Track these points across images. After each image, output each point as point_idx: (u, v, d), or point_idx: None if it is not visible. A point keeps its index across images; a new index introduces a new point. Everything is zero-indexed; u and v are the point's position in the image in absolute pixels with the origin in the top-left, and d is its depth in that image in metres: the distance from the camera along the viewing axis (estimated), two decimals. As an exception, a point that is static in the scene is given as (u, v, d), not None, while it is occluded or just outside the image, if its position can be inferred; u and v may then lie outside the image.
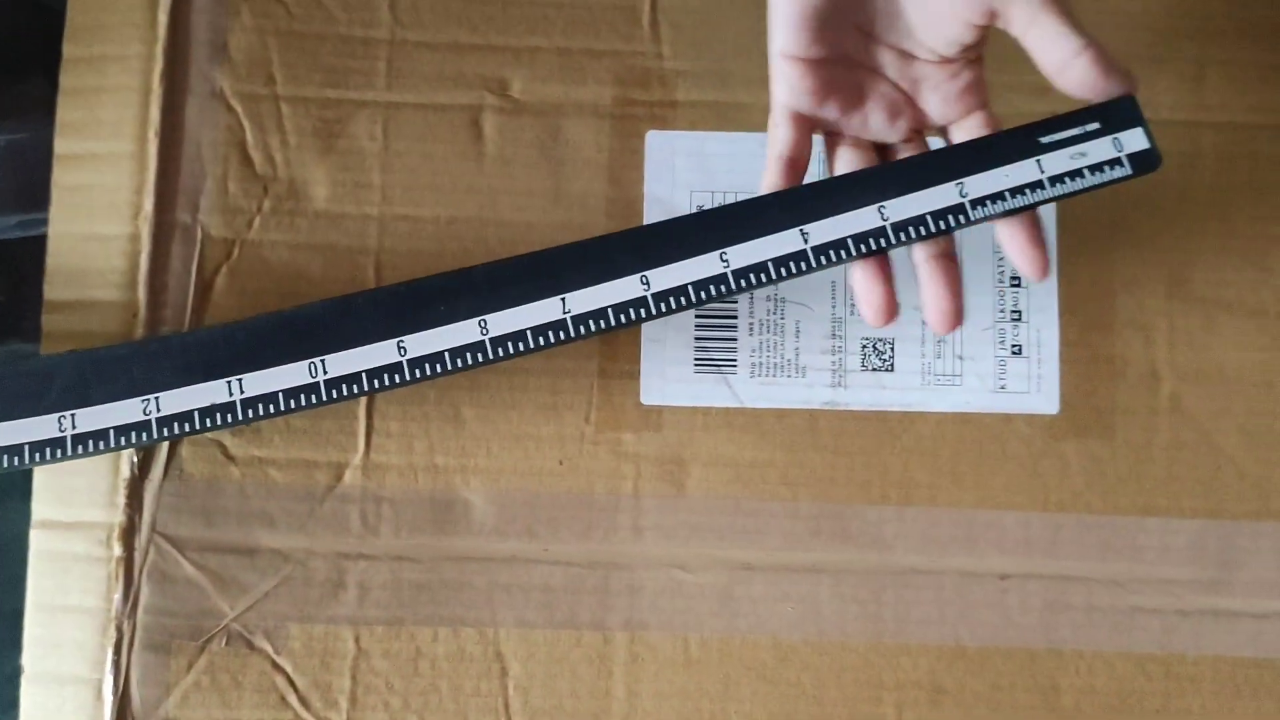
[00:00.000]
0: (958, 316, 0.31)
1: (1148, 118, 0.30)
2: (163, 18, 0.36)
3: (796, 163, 0.31)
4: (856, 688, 0.35)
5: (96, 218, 0.36)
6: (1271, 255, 0.37)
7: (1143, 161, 0.31)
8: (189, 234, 0.36)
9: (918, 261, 0.31)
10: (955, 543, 0.36)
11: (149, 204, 0.36)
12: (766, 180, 0.31)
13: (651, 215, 0.37)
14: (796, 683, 0.35)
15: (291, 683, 0.34)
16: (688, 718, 0.35)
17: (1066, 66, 0.28)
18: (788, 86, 0.30)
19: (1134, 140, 0.31)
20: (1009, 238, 0.30)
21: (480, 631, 0.35)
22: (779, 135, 0.31)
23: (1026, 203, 0.31)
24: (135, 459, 0.35)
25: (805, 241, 0.31)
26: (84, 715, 0.34)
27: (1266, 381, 0.36)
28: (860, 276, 0.31)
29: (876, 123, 0.31)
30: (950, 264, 0.31)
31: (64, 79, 0.36)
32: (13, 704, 0.35)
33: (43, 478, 0.35)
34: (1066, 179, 0.31)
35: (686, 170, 0.37)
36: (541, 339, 0.31)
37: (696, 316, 0.36)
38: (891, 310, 0.31)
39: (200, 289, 0.36)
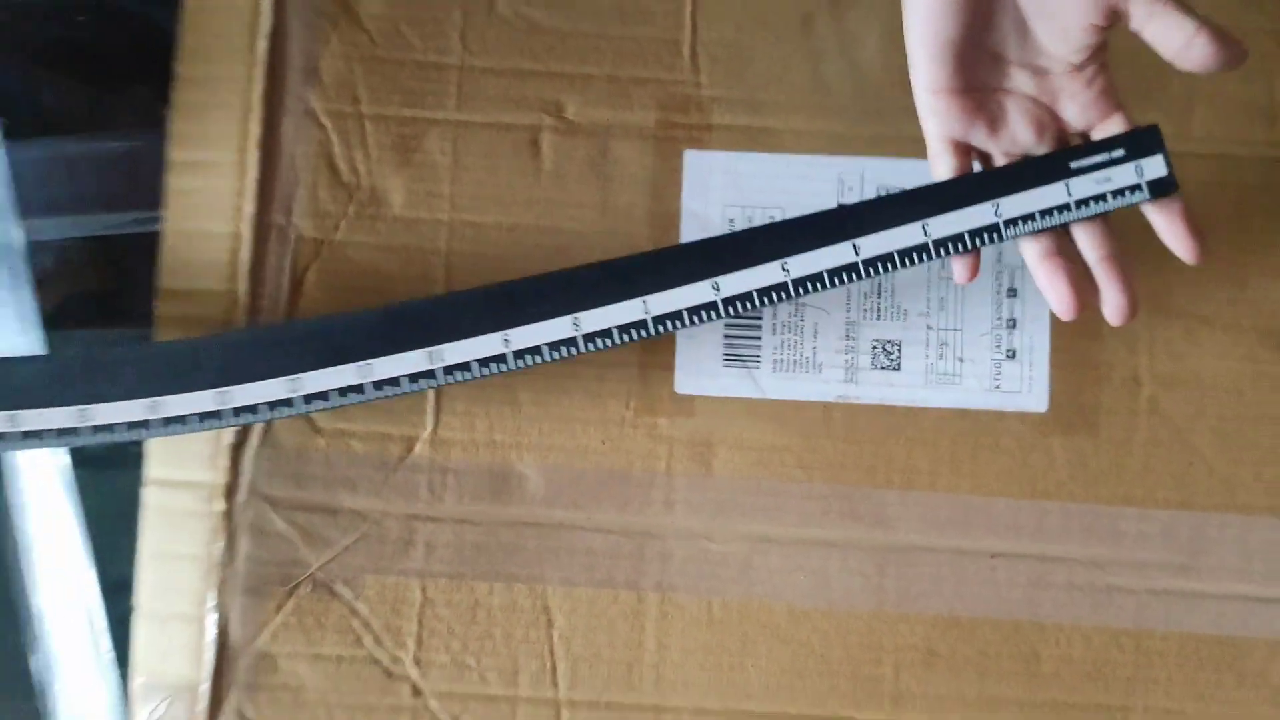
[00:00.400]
0: (1133, 309, 0.34)
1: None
2: (262, 44, 0.41)
3: None
4: (860, 650, 0.40)
5: (204, 217, 0.41)
6: (1250, 276, 0.40)
7: (1160, 187, 0.34)
8: (284, 234, 0.41)
9: (1091, 263, 0.34)
10: (952, 524, 0.40)
11: (249, 207, 0.41)
12: None
13: (688, 228, 0.41)
14: (807, 643, 0.40)
15: (367, 625, 0.40)
16: (710, 670, 0.40)
17: (1187, 48, 0.30)
18: (938, 118, 0.34)
19: (1154, 167, 0.34)
20: (1167, 228, 0.33)
21: (530, 587, 0.40)
22: (944, 163, 0.34)
23: (1053, 223, 0.34)
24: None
25: (857, 254, 0.34)
26: (189, 649, 0.40)
27: (1237, 389, 0.40)
28: (1047, 279, 0.34)
29: (1024, 137, 0.34)
30: (1118, 263, 0.34)
31: (176, 95, 0.41)
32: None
33: (156, 443, 0.40)
34: (1091, 202, 0.34)
35: (721, 188, 0.41)
36: (626, 336, 0.35)
37: (726, 325, 0.41)
38: (1080, 305, 0.34)
39: (294, 282, 0.41)
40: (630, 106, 0.42)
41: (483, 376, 0.35)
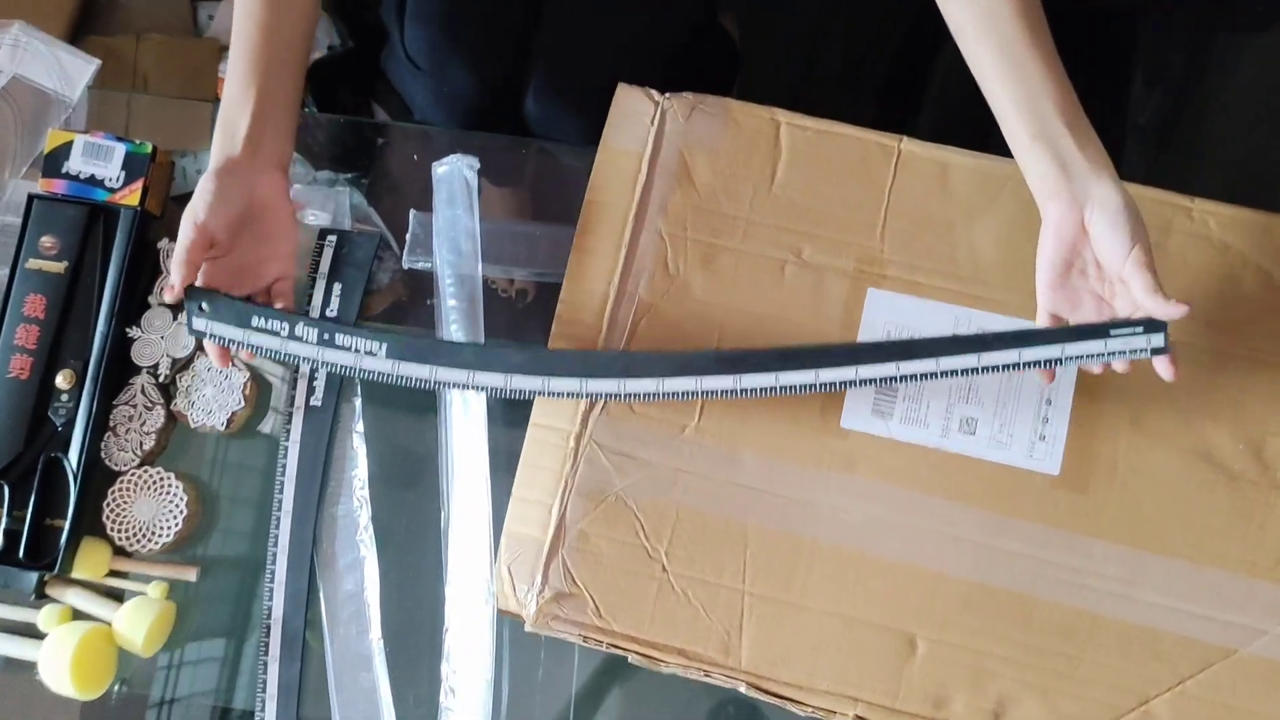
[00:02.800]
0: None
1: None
2: (638, 190, 0.73)
3: None
4: (921, 582, 0.67)
5: (588, 280, 0.72)
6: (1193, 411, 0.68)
7: (1160, 350, 0.60)
8: (632, 298, 0.72)
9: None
10: (981, 526, 0.67)
11: (615, 278, 0.72)
12: None
13: (863, 334, 0.70)
14: (890, 576, 0.67)
15: (642, 525, 0.69)
16: (838, 585, 0.68)
17: (1146, 299, 0.59)
18: (1045, 300, 0.63)
19: (1157, 339, 0.61)
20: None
21: (738, 522, 0.68)
22: (1044, 324, 0.63)
23: (1092, 363, 0.61)
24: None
25: (978, 361, 0.63)
26: (540, 522, 0.69)
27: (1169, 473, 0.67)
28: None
29: (1091, 316, 0.63)
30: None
31: (584, 210, 0.73)
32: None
33: (540, 401, 0.71)
34: (1118, 352, 0.60)
35: (886, 311, 0.70)
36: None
37: (876, 391, 0.70)
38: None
39: (633, 325, 0.71)
40: (840, 256, 0.71)
41: (744, 396, 0.64)
